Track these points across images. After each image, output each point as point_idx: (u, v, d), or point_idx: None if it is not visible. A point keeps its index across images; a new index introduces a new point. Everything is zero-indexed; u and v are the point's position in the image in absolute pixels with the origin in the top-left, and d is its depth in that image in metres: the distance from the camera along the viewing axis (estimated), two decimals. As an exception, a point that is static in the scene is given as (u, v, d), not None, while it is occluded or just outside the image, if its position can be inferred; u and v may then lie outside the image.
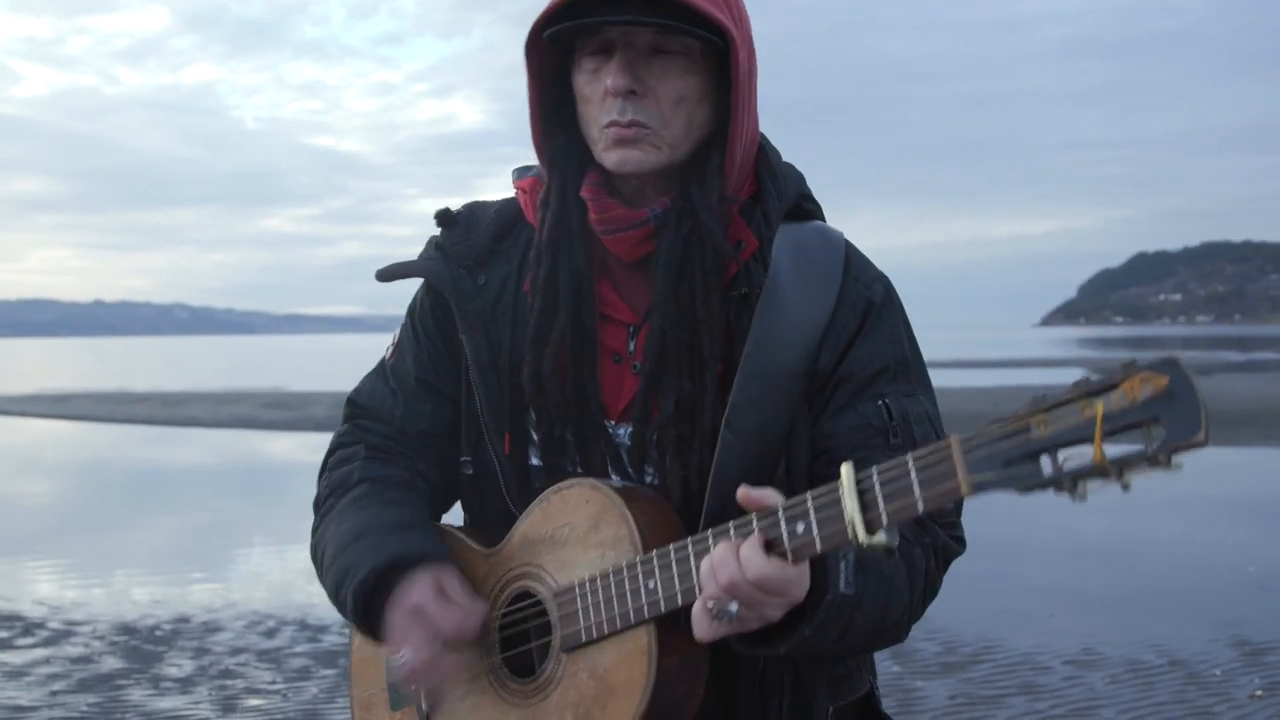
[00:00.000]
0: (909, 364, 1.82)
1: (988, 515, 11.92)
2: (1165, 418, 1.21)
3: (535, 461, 1.85)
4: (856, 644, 1.70)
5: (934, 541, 1.76)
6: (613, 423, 1.83)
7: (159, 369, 71.22)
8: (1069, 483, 1.27)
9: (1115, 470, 1.24)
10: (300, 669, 7.45)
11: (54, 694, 6.97)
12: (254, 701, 6.84)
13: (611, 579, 1.67)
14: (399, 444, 1.97)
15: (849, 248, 1.87)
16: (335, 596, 1.84)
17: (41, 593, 9.88)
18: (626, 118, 1.73)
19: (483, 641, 1.83)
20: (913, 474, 1.38)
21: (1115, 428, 1.23)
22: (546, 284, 1.82)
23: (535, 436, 1.86)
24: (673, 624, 1.65)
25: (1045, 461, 1.28)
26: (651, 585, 1.63)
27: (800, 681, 1.80)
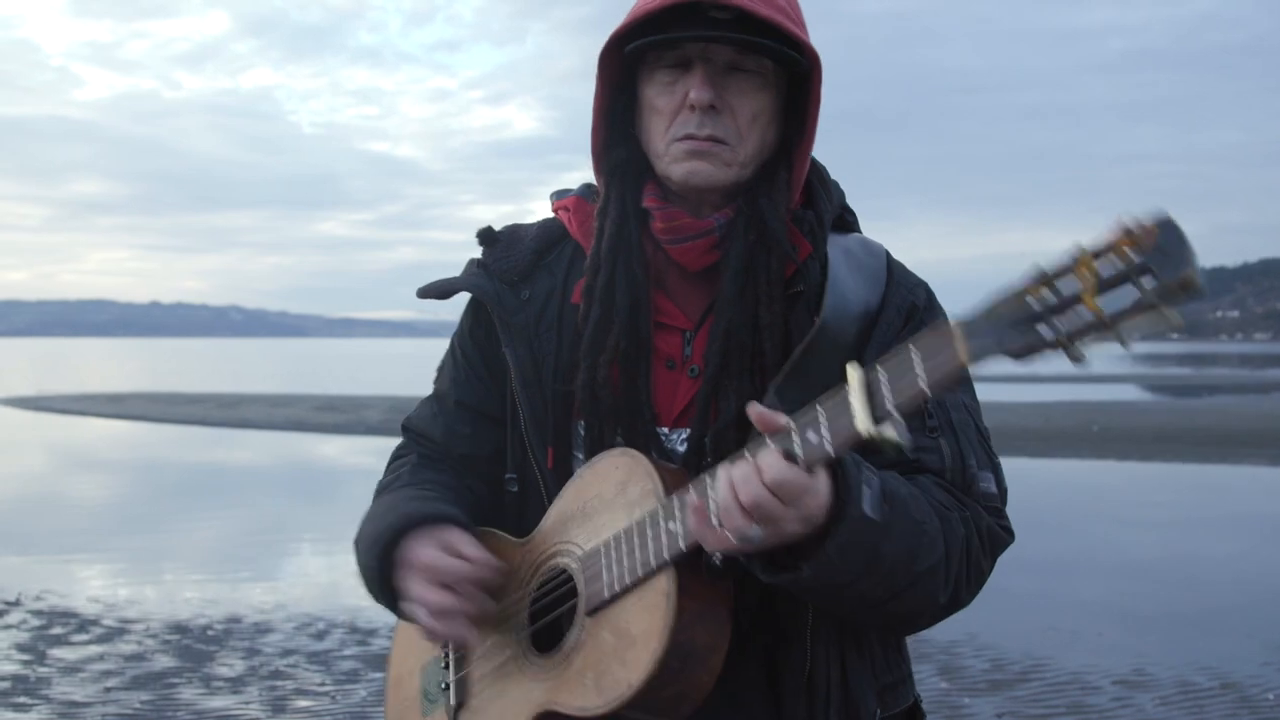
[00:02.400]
0: None
1: (1039, 530, 11.84)
2: (1156, 266, 1.20)
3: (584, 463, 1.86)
4: (884, 588, 1.63)
5: (976, 519, 1.74)
6: (666, 430, 1.84)
7: (214, 370, 71.97)
8: (1064, 340, 1.25)
9: (1110, 321, 1.22)
10: (349, 671, 7.52)
11: (108, 690, 7.08)
12: (303, 703, 6.91)
13: (634, 530, 1.67)
14: (446, 460, 2.02)
15: (890, 256, 1.92)
16: (367, 579, 1.88)
17: (96, 590, 10.02)
18: (705, 131, 1.76)
19: (514, 625, 1.84)
20: (915, 357, 1.38)
21: (1108, 284, 1.22)
22: (604, 293, 1.84)
23: (582, 449, 1.87)
24: (693, 570, 1.63)
25: (1043, 328, 1.27)
26: (671, 526, 1.62)
27: (849, 683, 1.79)
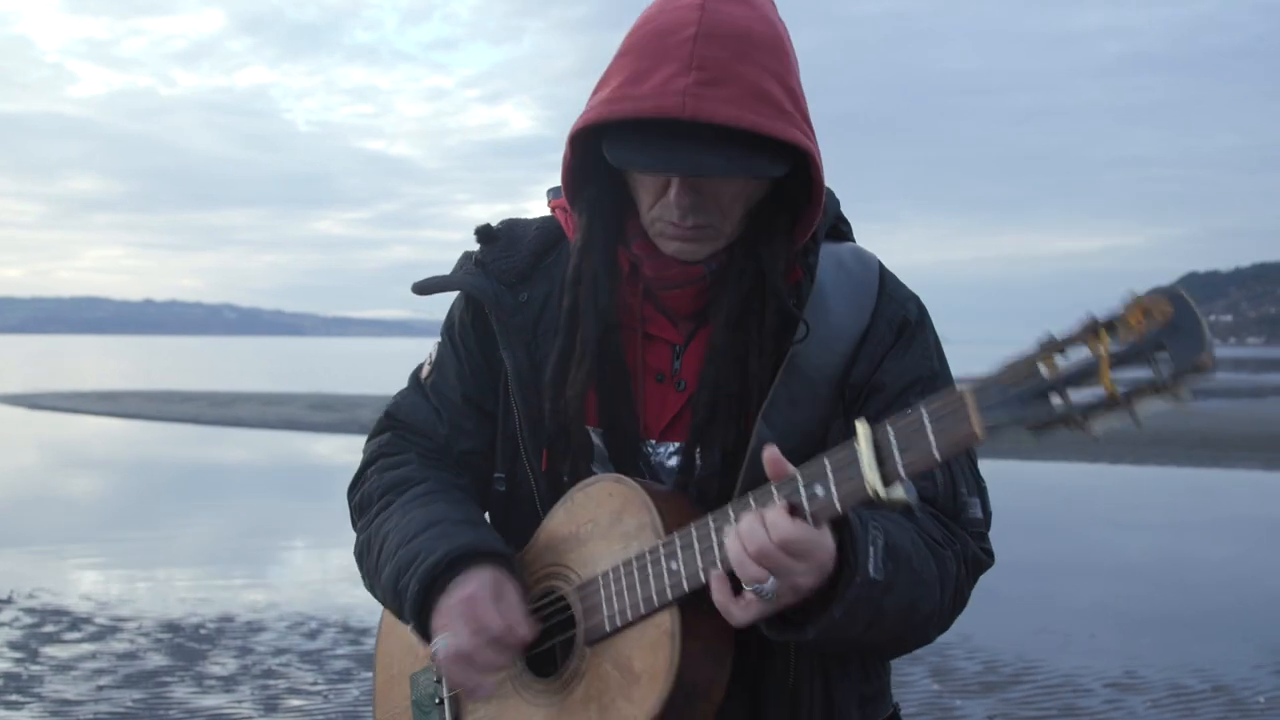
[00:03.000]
0: (938, 378, 1.83)
1: (1032, 534, 11.85)
2: (1170, 345, 1.19)
3: (568, 479, 1.84)
4: (884, 636, 1.67)
5: (963, 550, 1.76)
6: (654, 442, 1.84)
7: (207, 369, 71.89)
8: (1079, 418, 1.25)
9: (1124, 401, 1.22)
10: (342, 671, 7.52)
11: (100, 689, 7.07)
12: (295, 702, 6.90)
13: (634, 564, 1.66)
14: (444, 459, 1.98)
15: (883, 268, 1.90)
16: (394, 585, 1.79)
17: (88, 588, 10.01)
18: (688, 222, 1.73)
19: None
20: (927, 423, 1.37)
21: (1122, 359, 1.22)
22: (569, 317, 1.82)
23: (567, 461, 1.85)
24: (695, 608, 1.63)
25: (1056, 401, 1.27)
26: (674, 566, 1.62)
27: (831, 695, 1.79)
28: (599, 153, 1.73)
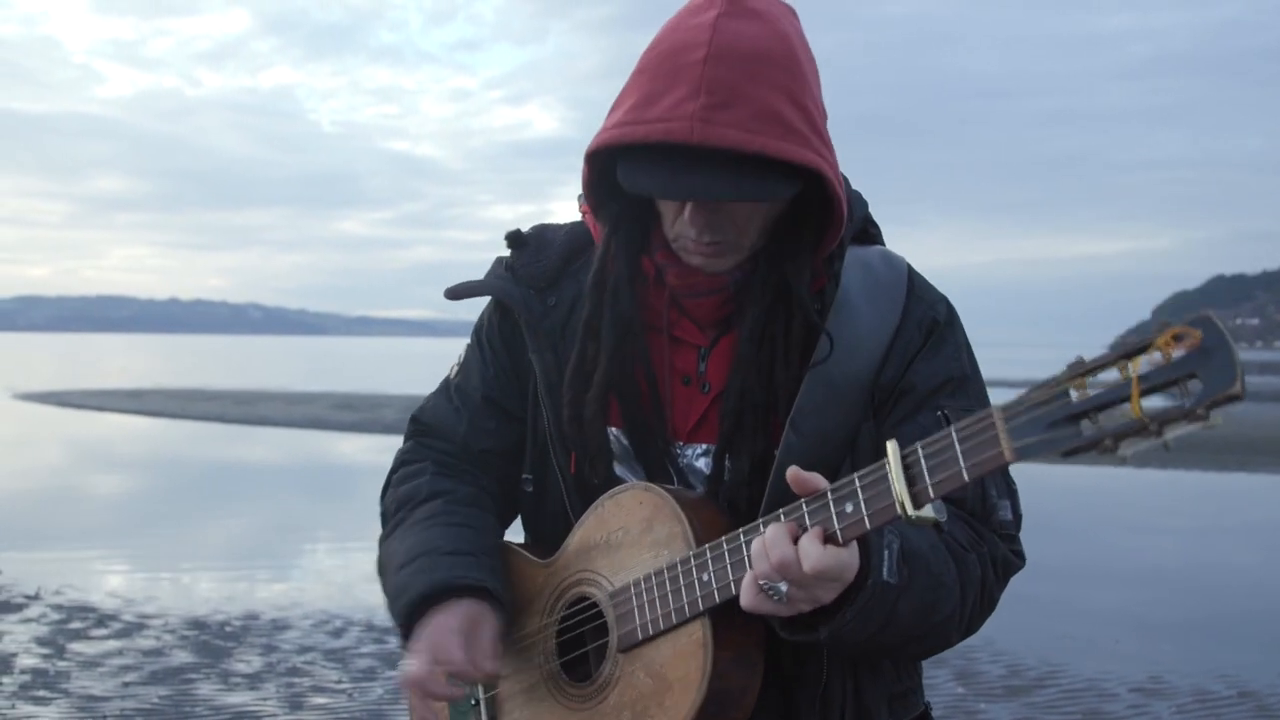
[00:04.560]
0: (968, 380, 1.84)
1: (1057, 538, 11.80)
2: (1201, 373, 1.21)
3: (597, 481, 1.86)
4: (901, 638, 1.68)
5: (992, 552, 1.76)
6: (681, 444, 1.86)
7: (232, 367, 72.24)
8: (1110, 443, 1.27)
9: (1154, 426, 1.24)
10: (366, 669, 7.55)
11: (126, 685, 7.11)
12: (320, 700, 6.94)
13: (666, 575, 1.69)
14: (463, 461, 2.01)
15: (911, 271, 1.91)
16: (391, 612, 1.89)
17: (115, 585, 10.07)
18: (705, 239, 1.75)
19: (540, 650, 1.86)
20: (956, 445, 1.39)
21: (1152, 385, 1.24)
22: (586, 327, 1.85)
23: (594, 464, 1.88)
24: (728, 617, 1.66)
25: (1086, 426, 1.29)
26: (705, 578, 1.64)
27: (860, 698, 1.81)
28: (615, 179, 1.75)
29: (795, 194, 1.69)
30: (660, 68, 1.68)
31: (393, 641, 8.10)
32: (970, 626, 1.77)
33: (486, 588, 1.82)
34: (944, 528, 1.52)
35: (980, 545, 1.75)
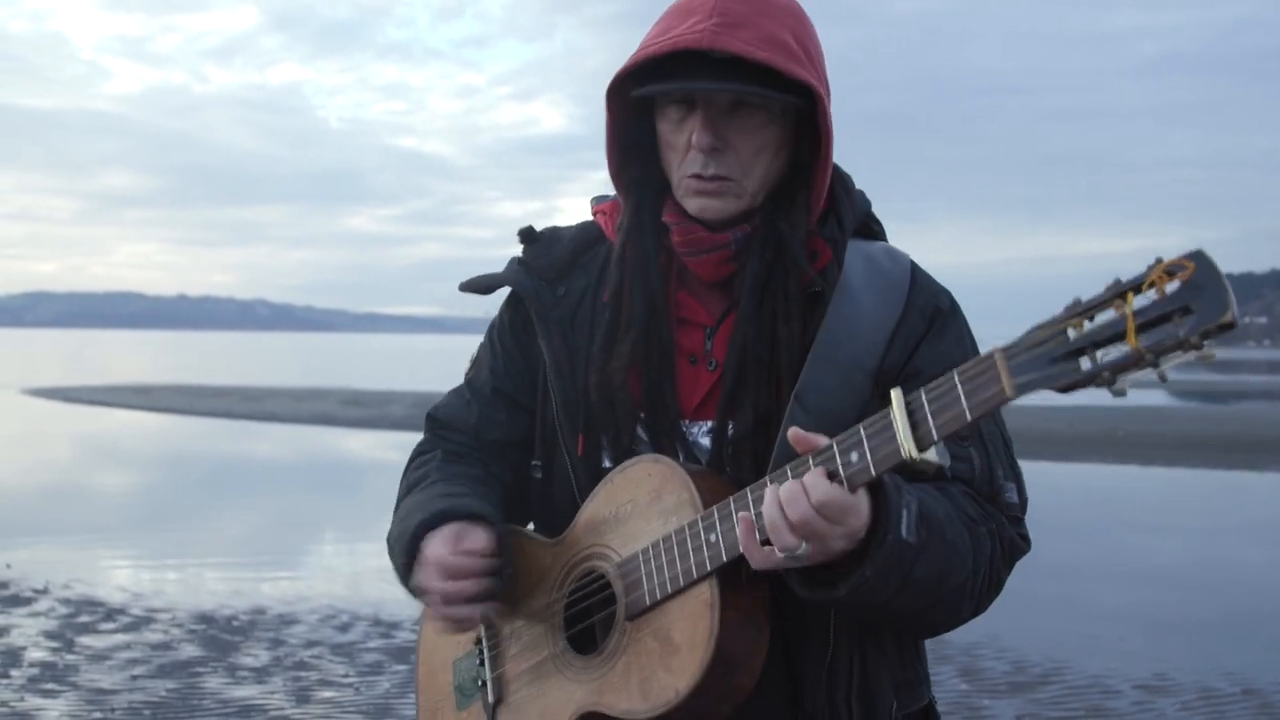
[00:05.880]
0: None
1: (1062, 535, 11.80)
2: (1195, 304, 1.24)
3: (608, 464, 1.91)
4: (916, 604, 1.70)
5: (999, 530, 1.79)
6: (688, 421, 1.89)
7: (240, 364, 72.34)
8: (1107, 375, 1.29)
9: (1150, 357, 1.26)
10: (373, 663, 7.58)
11: (134, 678, 7.15)
12: (327, 694, 6.97)
13: (674, 539, 1.71)
14: (475, 451, 2.06)
15: (914, 265, 1.95)
16: (394, 566, 1.94)
17: (123, 580, 10.12)
18: (709, 171, 1.82)
19: (549, 626, 1.88)
20: (959, 386, 1.42)
21: (1147, 319, 1.26)
22: (615, 298, 1.91)
23: (606, 439, 1.92)
24: (734, 579, 1.68)
25: (1085, 361, 1.31)
26: (713, 538, 1.66)
27: (866, 673, 1.82)
28: (639, 133, 1.91)
29: (793, 107, 1.81)
30: (677, 11, 1.85)
31: (400, 636, 8.13)
32: (979, 604, 1.79)
33: (479, 512, 1.88)
34: (947, 473, 1.52)
35: (989, 521, 1.78)
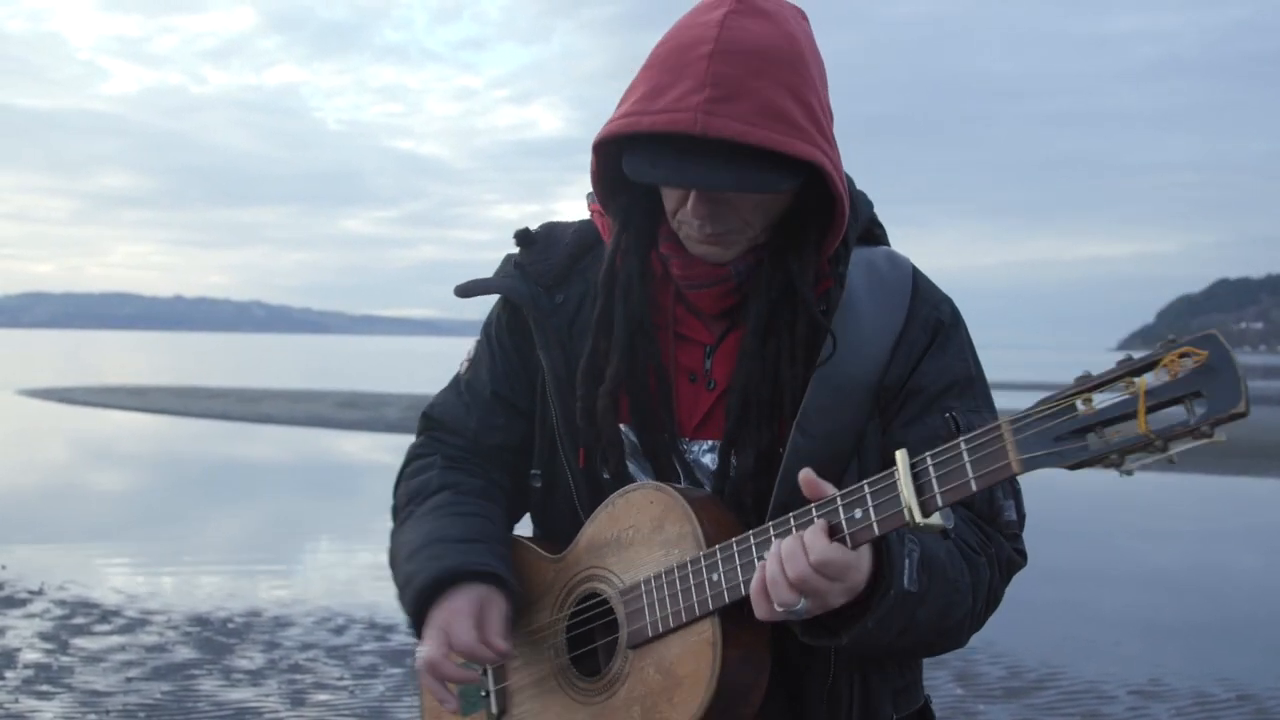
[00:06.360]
0: (974, 381, 1.86)
1: (1058, 540, 11.79)
2: (1206, 391, 1.24)
3: (608, 475, 1.89)
4: (917, 643, 1.72)
5: (999, 553, 1.79)
6: (687, 439, 1.87)
7: (236, 365, 72.30)
8: (1116, 457, 1.30)
9: (1160, 442, 1.26)
10: (368, 666, 7.57)
11: (129, 680, 7.14)
12: (322, 697, 6.96)
13: (676, 574, 1.71)
14: (473, 455, 2.03)
15: (916, 271, 1.92)
16: (401, 600, 1.90)
17: (118, 582, 10.10)
18: (706, 231, 1.76)
19: (551, 644, 1.88)
20: (965, 456, 1.43)
21: (1158, 402, 1.27)
22: (601, 325, 1.87)
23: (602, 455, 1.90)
24: (736, 616, 1.68)
25: (1093, 439, 1.32)
26: (715, 578, 1.67)
27: (869, 691, 1.83)
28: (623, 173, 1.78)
29: (795, 188, 1.71)
30: (667, 62, 1.70)
31: (394, 639, 8.12)
32: (977, 625, 1.80)
33: (496, 573, 1.85)
34: (950, 534, 1.54)
35: (989, 547, 1.78)
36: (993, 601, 1.80)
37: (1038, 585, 9.09)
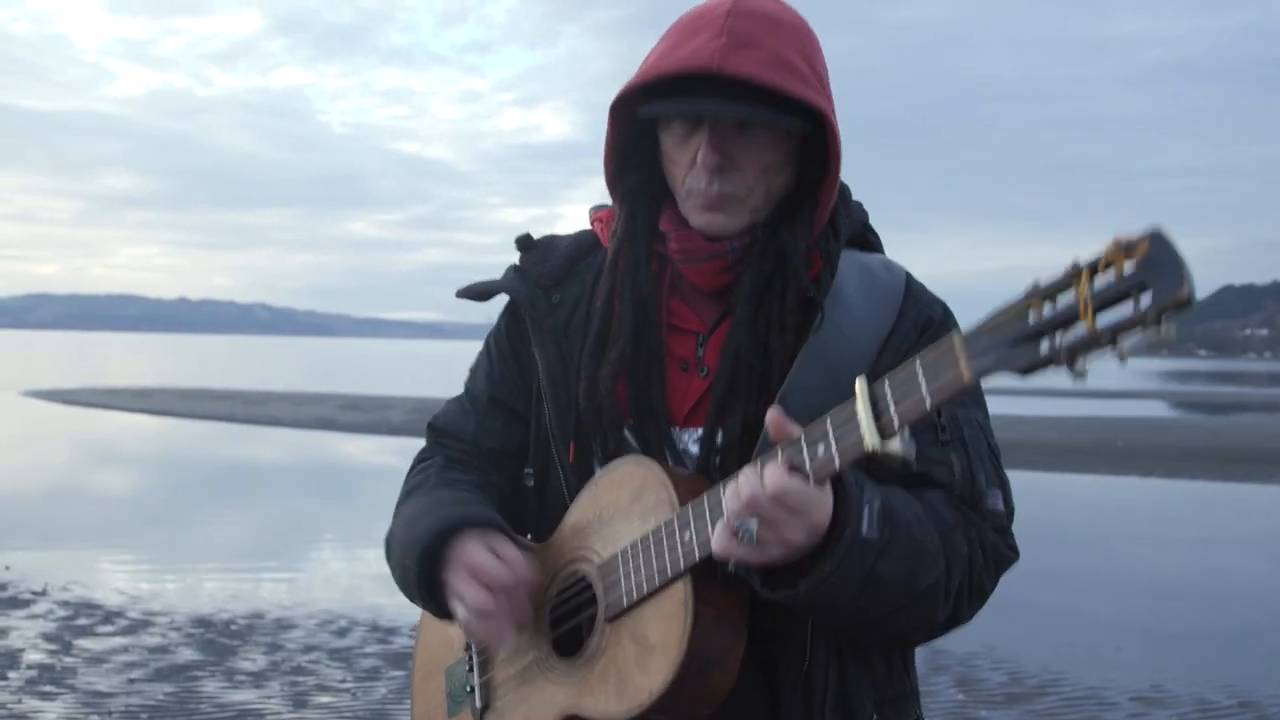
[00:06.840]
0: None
1: (1060, 545, 11.79)
2: (1151, 281, 1.23)
3: (600, 463, 1.90)
4: (883, 606, 1.68)
5: (981, 536, 1.78)
6: (678, 429, 1.89)
7: (240, 368, 72.37)
8: (1066, 356, 1.28)
9: (1108, 337, 1.25)
10: (370, 669, 7.58)
11: (131, 682, 7.16)
12: (324, 699, 6.97)
13: (651, 539, 1.71)
14: (473, 458, 2.07)
15: (910, 277, 1.95)
16: (404, 575, 1.91)
17: (121, 583, 10.12)
18: (714, 189, 1.82)
19: (534, 631, 1.88)
20: (919, 372, 1.42)
21: (1104, 300, 1.26)
22: (605, 304, 1.91)
23: (597, 446, 1.92)
24: (709, 577, 1.67)
25: (1044, 344, 1.31)
26: (687, 536, 1.67)
27: (845, 681, 1.81)
28: (640, 140, 1.90)
29: (799, 135, 1.82)
30: (685, 26, 1.85)
31: (397, 642, 8.13)
32: (957, 610, 1.76)
33: (491, 519, 1.87)
34: (912, 465, 1.52)
35: (968, 527, 1.77)
36: (976, 589, 1.77)
37: (1039, 591, 9.09)
